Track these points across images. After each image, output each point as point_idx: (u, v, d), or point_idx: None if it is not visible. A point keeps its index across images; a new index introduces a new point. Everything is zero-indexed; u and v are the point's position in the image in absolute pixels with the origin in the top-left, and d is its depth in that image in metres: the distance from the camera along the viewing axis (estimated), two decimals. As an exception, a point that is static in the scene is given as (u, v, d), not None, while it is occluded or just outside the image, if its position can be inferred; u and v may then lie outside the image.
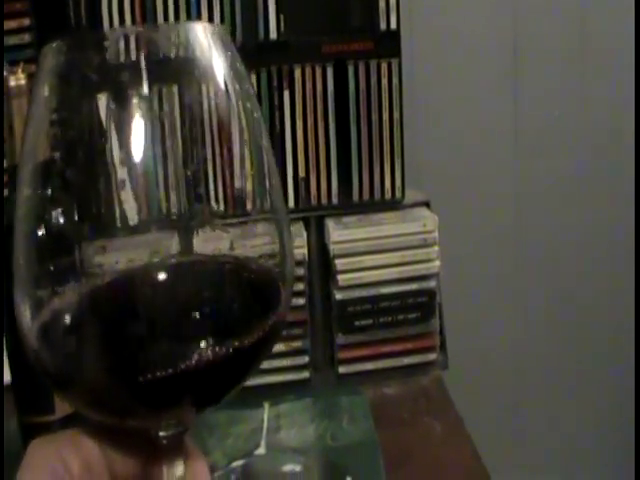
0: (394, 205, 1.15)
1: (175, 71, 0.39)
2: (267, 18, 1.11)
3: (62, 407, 0.90)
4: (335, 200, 1.14)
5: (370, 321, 1.08)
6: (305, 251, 1.07)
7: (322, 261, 1.12)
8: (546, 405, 1.63)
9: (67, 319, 0.38)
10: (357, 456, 0.91)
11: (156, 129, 0.38)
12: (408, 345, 1.09)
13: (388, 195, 1.15)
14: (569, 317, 1.59)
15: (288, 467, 0.91)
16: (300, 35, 1.12)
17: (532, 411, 1.62)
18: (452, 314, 1.16)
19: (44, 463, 0.37)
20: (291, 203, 1.13)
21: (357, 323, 1.08)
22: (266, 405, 1.03)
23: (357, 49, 1.13)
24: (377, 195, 1.15)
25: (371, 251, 1.08)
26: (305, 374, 1.08)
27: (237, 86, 0.39)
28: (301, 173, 1.13)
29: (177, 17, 1.10)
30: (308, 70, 1.12)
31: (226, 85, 0.39)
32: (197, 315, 0.37)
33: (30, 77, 0.94)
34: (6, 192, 0.93)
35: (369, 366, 1.09)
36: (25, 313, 0.37)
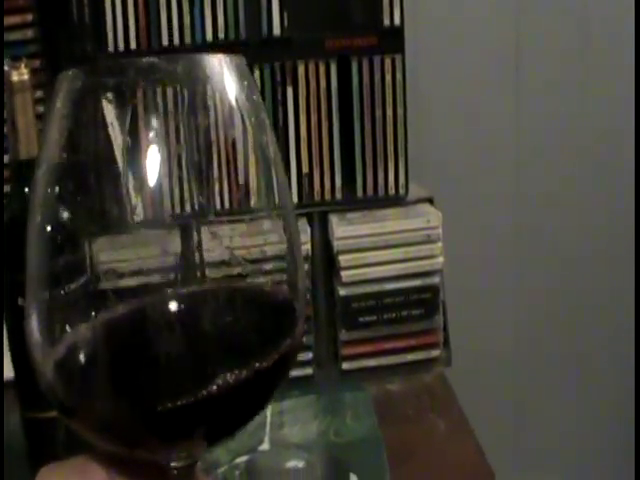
0: (398, 201, 1.14)
1: (190, 101, 0.40)
2: (270, 14, 1.11)
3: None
4: (339, 196, 1.14)
5: (374, 317, 1.08)
6: (309, 247, 1.06)
7: (325, 257, 1.11)
8: (548, 403, 1.63)
9: (82, 350, 0.38)
10: (361, 452, 0.91)
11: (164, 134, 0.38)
12: (411, 341, 1.09)
13: (392, 191, 1.14)
14: (572, 314, 1.59)
15: (292, 463, 0.91)
16: (303, 31, 1.12)
17: (534, 409, 1.62)
18: (455, 311, 1.16)
19: None
20: (295, 199, 1.13)
21: (361, 319, 1.07)
22: (269, 401, 1.03)
23: (361, 45, 1.13)
24: (381, 191, 1.14)
25: (375, 247, 1.07)
26: (308, 370, 1.08)
27: (252, 117, 0.39)
28: (305, 169, 1.13)
29: (180, 13, 1.09)
30: (311, 66, 1.12)
31: (241, 113, 0.39)
32: (213, 345, 0.37)
33: (33, 72, 0.94)
34: (8, 187, 0.93)
35: (372, 362, 1.09)
36: (38, 340, 0.37)
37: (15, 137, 0.90)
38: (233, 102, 0.39)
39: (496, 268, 1.54)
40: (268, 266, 0.40)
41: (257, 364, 0.36)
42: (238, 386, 0.35)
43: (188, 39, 1.11)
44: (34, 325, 0.37)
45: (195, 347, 0.37)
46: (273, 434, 0.96)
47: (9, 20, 1.09)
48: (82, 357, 0.38)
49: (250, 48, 1.11)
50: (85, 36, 1.10)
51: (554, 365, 1.61)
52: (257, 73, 1.11)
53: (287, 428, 0.98)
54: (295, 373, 1.07)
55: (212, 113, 0.39)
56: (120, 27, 1.09)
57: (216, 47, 1.11)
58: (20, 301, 0.88)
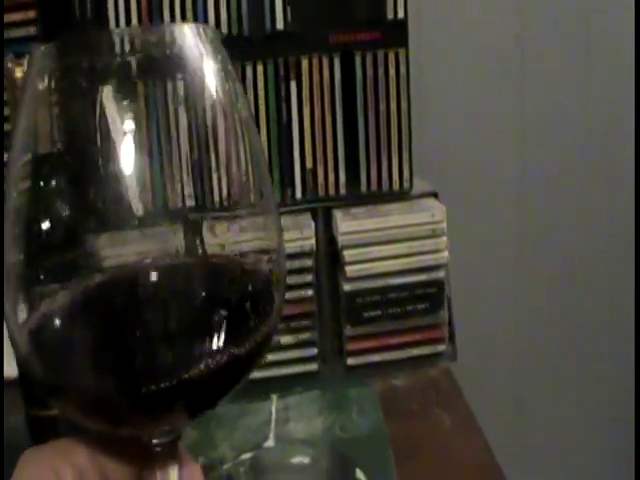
0: (402, 196, 1.14)
1: (166, 71, 0.39)
2: (274, 9, 1.10)
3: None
4: (343, 191, 1.13)
5: (378, 312, 1.07)
6: (313, 242, 1.06)
7: (330, 252, 1.11)
8: (552, 399, 1.62)
9: (58, 324, 0.38)
10: (366, 448, 0.91)
11: (147, 124, 0.39)
12: (417, 336, 1.08)
13: (396, 186, 1.14)
14: (576, 309, 1.59)
15: (297, 459, 0.90)
16: (307, 26, 1.11)
17: (537, 405, 1.62)
18: (460, 305, 1.15)
19: (36, 475, 0.37)
20: (298, 194, 1.12)
21: (365, 314, 1.07)
22: (274, 397, 1.03)
23: (364, 39, 1.13)
24: (385, 186, 1.14)
25: (379, 242, 1.07)
26: (313, 366, 1.07)
27: (227, 85, 0.40)
28: (308, 164, 1.13)
29: (183, 7, 1.09)
30: (315, 61, 1.12)
31: (216, 83, 0.39)
32: (195, 322, 0.37)
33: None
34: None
35: (377, 358, 1.08)
36: (15, 315, 0.37)
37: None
38: (207, 70, 0.39)
39: (500, 263, 1.53)
40: (252, 258, 0.40)
41: (234, 349, 0.37)
42: (218, 366, 0.36)
43: (191, 34, 1.10)
44: (10, 304, 0.37)
45: (174, 327, 0.37)
46: (278, 430, 0.96)
47: (11, 17, 1.09)
48: (57, 330, 0.38)
49: (253, 43, 1.11)
50: (87, 32, 1.10)
51: (558, 361, 1.61)
52: (260, 68, 1.11)
53: (292, 424, 0.97)
54: (300, 369, 1.07)
55: (186, 79, 0.40)
56: (123, 23, 1.09)
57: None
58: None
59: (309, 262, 1.06)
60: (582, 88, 1.49)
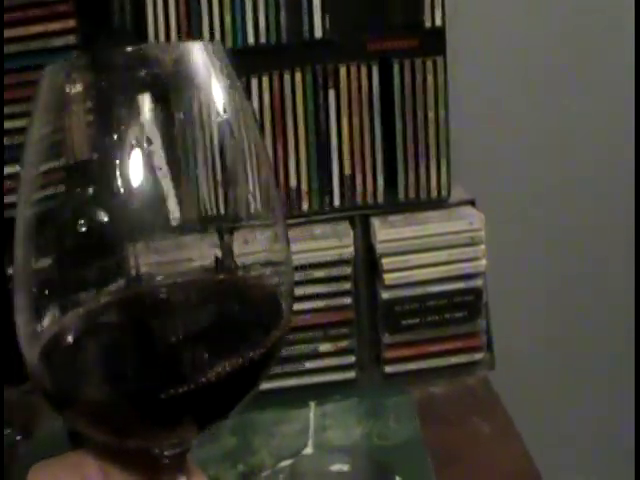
0: (440, 204, 1.14)
1: (175, 87, 0.39)
2: (312, 16, 1.11)
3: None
4: (380, 199, 1.13)
5: (416, 320, 1.07)
6: (352, 250, 1.06)
7: (368, 260, 1.11)
8: (590, 406, 1.61)
9: (70, 337, 0.38)
10: (405, 456, 0.91)
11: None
12: (454, 344, 1.08)
13: (434, 194, 1.14)
14: (616, 314, 1.57)
15: (336, 467, 0.91)
16: (345, 33, 1.12)
17: (578, 411, 1.60)
18: (498, 314, 1.15)
19: None
20: (337, 202, 1.13)
21: (403, 322, 1.07)
22: (312, 405, 1.03)
23: (402, 47, 1.13)
24: (423, 194, 1.14)
25: (417, 250, 1.07)
26: (351, 374, 1.08)
27: (234, 100, 0.40)
28: (347, 171, 1.13)
29: (222, 16, 1.10)
30: (353, 68, 1.12)
31: (224, 99, 0.39)
32: (204, 334, 0.38)
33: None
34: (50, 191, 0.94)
35: (415, 366, 1.08)
36: (27, 324, 0.37)
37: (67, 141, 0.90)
38: (215, 86, 0.39)
39: (539, 270, 1.52)
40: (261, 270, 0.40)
41: (248, 353, 0.37)
42: (228, 374, 0.36)
43: (229, 42, 1.11)
44: (20, 310, 0.37)
45: (185, 336, 0.37)
46: (317, 438, 0.96)
47: (51, 26, 1.10)
48: (68, 342, 0.38)
49: (291, 50, 1.12)
50: (127, 40, 1.11)
51: (597, 367, 1.60)
52: (299, 76, 1.11)
53: (330, 432, 0.98)
54: (337, 377, 1.07)
55: (194, 95, 0.40)
56: (162, 31, 1.10)
57: (257, 50, 1.11)
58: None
59: (348, 270, 1.06)
60: (621, 90, 1.48)
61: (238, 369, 0.36)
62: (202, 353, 0.37)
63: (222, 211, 0.40)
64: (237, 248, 0.40)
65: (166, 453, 0.39)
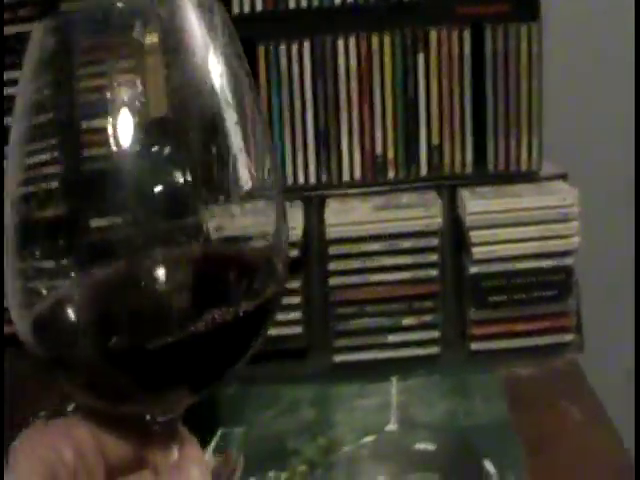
0: (530, 177, 1.09)
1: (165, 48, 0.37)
2: (401, -23, 1.07)
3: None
4: (469, 170, 1.09)
5: (504, 297, 1.03)
6: (440, 221, 1.02)
7: (453, 232, 1.07)
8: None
9: (63, 297, 0.37)
10: (493, 438, 0.87)
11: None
12: (543, 324, 1.04)
13: (524, 166, 1.09)
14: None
15: (421, 445, 0.87)
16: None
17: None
18: (589, 294, 1.10)
19: (36, 454, 0.36)
20: (423, 171, 1.08)
21: (490, 299, 1.03)
22: (394, 380, 0.99)
23: (493, 11, 1.08)
24: (512, 166, 1.09)
25: (508, 224, 1.02)
26: (435, 349, 1.04)
27: (232, 64, 0.38)
28: (434, 140, 1.09)
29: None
30: (443, 33, 1.07)
31: (219, 61, 0.37)
32: (196, 289, 0.37)
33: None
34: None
35: (501, 344, 1.04)
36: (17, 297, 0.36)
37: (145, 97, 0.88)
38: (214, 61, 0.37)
39: (629, 248, 1.46)
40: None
41: (243, 305, 0.36)
42: (219, 326, 0.35)
43: (316, 1, 1.07)
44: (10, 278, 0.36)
45: (179, 287, 0.37)
46: (400, 413, 0.93)
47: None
48: (62, 302, 0.37)
49: (380, 13, 1.07)
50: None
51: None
52: (387, 39, 1.07)
53: (413, 408, 0.94)
54: (421, 352, 1.04)
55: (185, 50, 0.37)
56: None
57: (344, 11, 1.07)
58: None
59: (435, 241, 1.02)
60: None
61: (230, 321, 0.35)
62: (191, 304, 0.36)
63: (217, 181, 0.37)
64: (228, 220, 0.37)
65: (158, 419, 0.38)
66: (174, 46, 0.37)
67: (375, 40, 1.07)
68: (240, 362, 0.38)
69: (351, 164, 1.09)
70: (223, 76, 0.37)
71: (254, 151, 0.38)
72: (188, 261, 0.37)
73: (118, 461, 0.39)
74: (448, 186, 1.08)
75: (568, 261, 1.03)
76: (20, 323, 0.36)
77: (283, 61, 1.08)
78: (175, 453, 0.39)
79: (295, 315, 1.04)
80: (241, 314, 0.36)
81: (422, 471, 0.84)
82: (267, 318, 0.39)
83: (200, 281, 0.38)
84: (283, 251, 0.39)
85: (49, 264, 0.36)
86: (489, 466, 0.82)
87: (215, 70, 0.37)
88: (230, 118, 0.37)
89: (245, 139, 0.37)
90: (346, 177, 1.09)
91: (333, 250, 1.02)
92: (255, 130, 0.38)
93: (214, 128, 0.37)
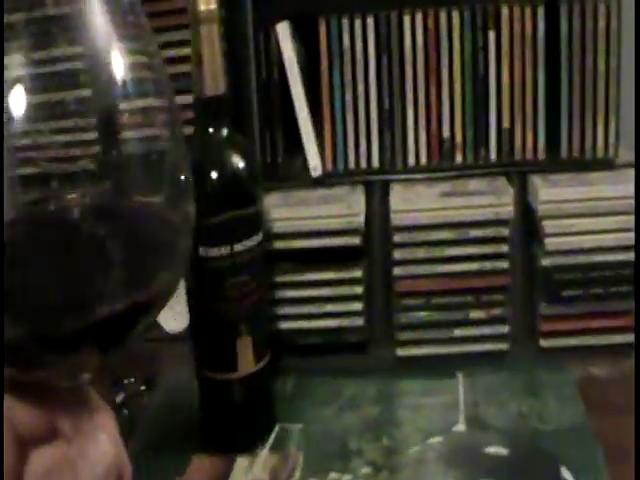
0: (606, 164, 1.03)
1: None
2: (471, -49, 1.00)
3: (244, 366, 0.84)
4: (541, 155, 1.03)
5: (578, 291, 0.97)
6: (511, 209, 0.96)
7: (524, 221, 1.01)
8: None
9: None
10: (572, 444, 0.81)
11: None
12: (619, 322, 0.97)
13: (600, 153, 1.03)
14: None
15: (492, 449, 0.82)
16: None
17: None
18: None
19: None
20: (493, 156, 1.03)
21: (564, 293, 0.97)
22: (460, 376, 0.94)
23: (569, -12, 1.01)
24: (588, 152, 1.03)
25: (583, 214, 0.97)
26: (504, 345, 0.98)
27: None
28: (505, 124, 1.03)
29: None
30: (516, 9, 1.01)
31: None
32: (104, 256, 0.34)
33: (221, 2, 0.86)
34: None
35: (574, 342, 0.98)
36: None
37: (200, 72, 0.83)
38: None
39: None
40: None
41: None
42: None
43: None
44: None
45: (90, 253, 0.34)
46: (468, 413, 0.88)
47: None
48: None
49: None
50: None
51: None
52: (456, 16, 1.01)
53: (482, 407, 0.89)
54: (489, 347, 0.98)
55: None
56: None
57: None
58: (201, 251, 0.82)
59: (505, 231, 0.96)
60: None
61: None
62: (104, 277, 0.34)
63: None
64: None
65: (67, 384, 0.38)
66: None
67: (443, 16, 1.01)
68: (143, 325, 0.37)
69: (416, 147, 1.04)
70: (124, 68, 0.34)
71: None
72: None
73: (29, 431, 0.37)
74: (518, 172, 1.02)
75: (648, 255, 0.97)
76: None
77: (346, 38, 1.02)
78: (86, 419, 0.39)
79: (356, 306, 0.99)
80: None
81: (493, 477, 0.78)
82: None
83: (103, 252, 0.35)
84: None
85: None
86: (566, 474, 0.77)
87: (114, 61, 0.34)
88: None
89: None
90: (411, 161, 1.04)
91: (398, 238, 0.97)
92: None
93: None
